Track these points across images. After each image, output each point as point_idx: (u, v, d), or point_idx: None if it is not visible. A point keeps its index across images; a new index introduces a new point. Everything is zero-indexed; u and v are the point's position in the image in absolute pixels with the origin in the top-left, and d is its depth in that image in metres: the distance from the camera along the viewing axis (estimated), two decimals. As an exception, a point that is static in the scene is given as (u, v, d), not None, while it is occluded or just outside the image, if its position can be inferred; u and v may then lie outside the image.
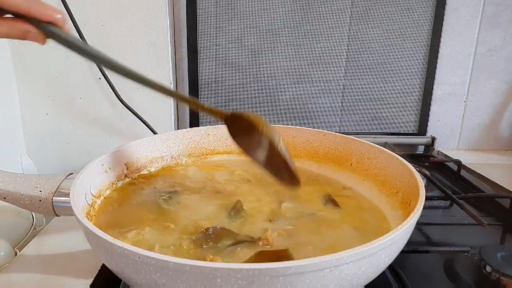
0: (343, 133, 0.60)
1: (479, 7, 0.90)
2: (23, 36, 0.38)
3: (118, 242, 0.31)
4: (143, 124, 0.86)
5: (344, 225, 0.44)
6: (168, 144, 0.60)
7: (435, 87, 0.94)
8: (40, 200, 0.45)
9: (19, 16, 0.37)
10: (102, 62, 0.43)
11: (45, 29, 0.38)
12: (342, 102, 0.94)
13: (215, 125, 0.64)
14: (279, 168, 0.46)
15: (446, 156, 0.92)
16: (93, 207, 0.46)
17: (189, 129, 0.63)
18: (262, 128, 0.44)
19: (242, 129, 0.46)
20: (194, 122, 0.93)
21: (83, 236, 0.36)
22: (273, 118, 0.93)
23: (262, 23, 0.90)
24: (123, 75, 0.43)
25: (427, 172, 0.74)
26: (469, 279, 0.47)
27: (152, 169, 0.58)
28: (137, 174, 0.56)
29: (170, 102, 0.89)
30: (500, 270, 0.45)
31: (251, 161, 0.47)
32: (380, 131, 0.95)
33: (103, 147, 0.89)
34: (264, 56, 0.91)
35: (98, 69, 0.83)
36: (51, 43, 0.40)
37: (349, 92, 0.93)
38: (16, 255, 0.54)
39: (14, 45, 0.83)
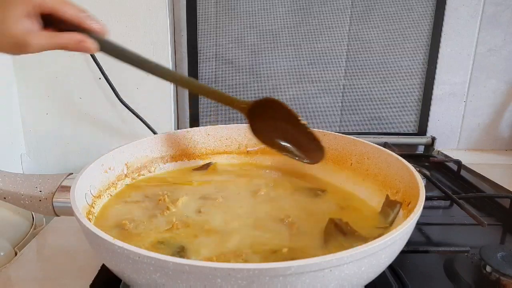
0: (343, 133, 0.60)
1: (479, 7, 0.90)
2: (77, 46, 0.43)
3: (118, 242, 0.31)
4: (143, 124, 0.86)
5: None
6: (168, 144, 0.60)
7: (435, 87, 0.94)
8: (40, 200, 0.45)
9: (72, 29, 0.42)
10: (150, 69, 0.50)
11: (97, 38, 0.44)
12: (342, 102, 0.94)
13: (215, 125, 0.65)
14: (304, 142, 0.51)
15: (446, 156, 0.92)
16: (93, 207, 0.46)
17: (189, 129, 0.63)
18: (283, 105, 0.50)
19: (263, 116, 0.52)
20: (194, 122, 0.93)
21: (83, 236, 0.36)
22: (273, 118, 0.93)
23: (262, 23, 0.90)
24: (175, 82, 0.53)
25: (427, 172, 0.74)
26: (469, 279, 0.47)
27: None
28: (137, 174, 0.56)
29: (170, 102, 0.89)
30: (500, 270, 0.45)
31: (274, 147, 0.54)
32: (380, 131, 0.95)
33: (103, 147, 0.88)
34: (264, 56, 0.91)
35: (98, 69, 0.83)
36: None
37: (349, 92, 0.93)
38: (16, 255, 0.54)
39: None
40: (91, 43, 0.43)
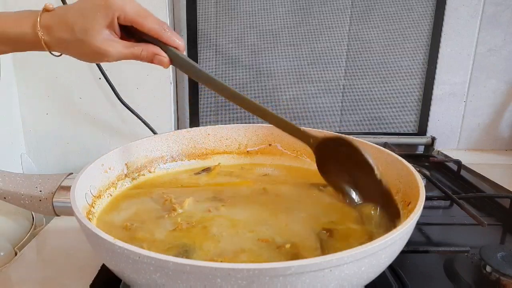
0: (343, 133, 0.60)
1: (479, 7, 0.90)
2: (151, 59, 0.43)
3: (118, 242, 0.31)
4: (143, 124, 0.86)
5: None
6: (168, 144, 0.60)
7: (435, 87, 0.94)
8: (40, 200, 0.45)
9: (150, 41, 0.43)
10: (219, 90, 0.46)
11: (171, 53, 0.44)
12: (342, 102, 0.94)
13: (215, 125, 0.65)
14: (373, 194, 0.45)
15: (446, 156, 0.92)
16: (93, 207, 0.46)
17: (189, 129, 0.63)
18: (357, 148, 0.44)
19: (331, 154, 0.47)
20: (194, 122, 0.93)
21: (83, 236, 0.36)
22: (273, 118, 0.93)
23: (262, 23, 0.90)
24: (251, 110, 0.46)
25: (427, 172, 0.74)
26: (469, 279, 0.47)
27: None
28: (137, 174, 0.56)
29: (170, 102, 0.89)
30: (500, 270, 0.45)
31: (338, 190, 0.49)
32: (380, 131, 0.95)
33: (103, 147, 0.88)
34: (264, 56, 0.91)
35: (98, 69, 0.83)
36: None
37: (349, 92, 0.93)
38: (16, 255, 0.54)
39: (14, 45, 0.83)
40: (164, 57, 0.44)
